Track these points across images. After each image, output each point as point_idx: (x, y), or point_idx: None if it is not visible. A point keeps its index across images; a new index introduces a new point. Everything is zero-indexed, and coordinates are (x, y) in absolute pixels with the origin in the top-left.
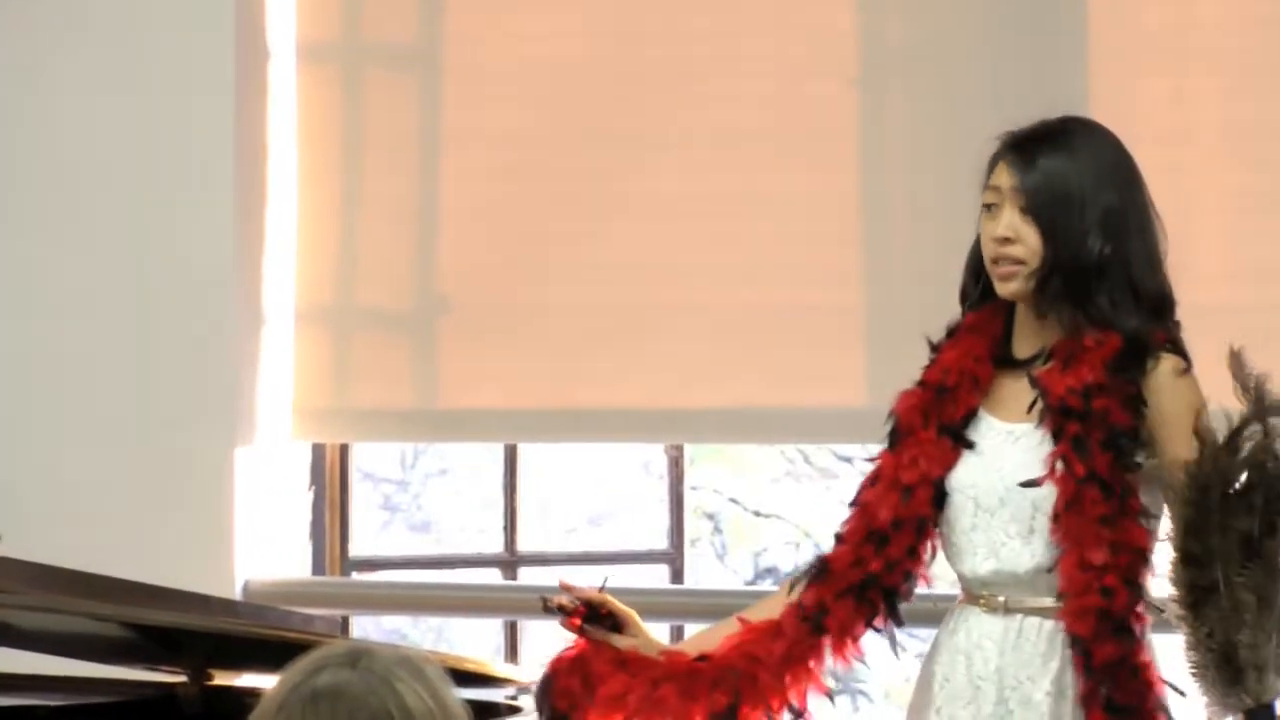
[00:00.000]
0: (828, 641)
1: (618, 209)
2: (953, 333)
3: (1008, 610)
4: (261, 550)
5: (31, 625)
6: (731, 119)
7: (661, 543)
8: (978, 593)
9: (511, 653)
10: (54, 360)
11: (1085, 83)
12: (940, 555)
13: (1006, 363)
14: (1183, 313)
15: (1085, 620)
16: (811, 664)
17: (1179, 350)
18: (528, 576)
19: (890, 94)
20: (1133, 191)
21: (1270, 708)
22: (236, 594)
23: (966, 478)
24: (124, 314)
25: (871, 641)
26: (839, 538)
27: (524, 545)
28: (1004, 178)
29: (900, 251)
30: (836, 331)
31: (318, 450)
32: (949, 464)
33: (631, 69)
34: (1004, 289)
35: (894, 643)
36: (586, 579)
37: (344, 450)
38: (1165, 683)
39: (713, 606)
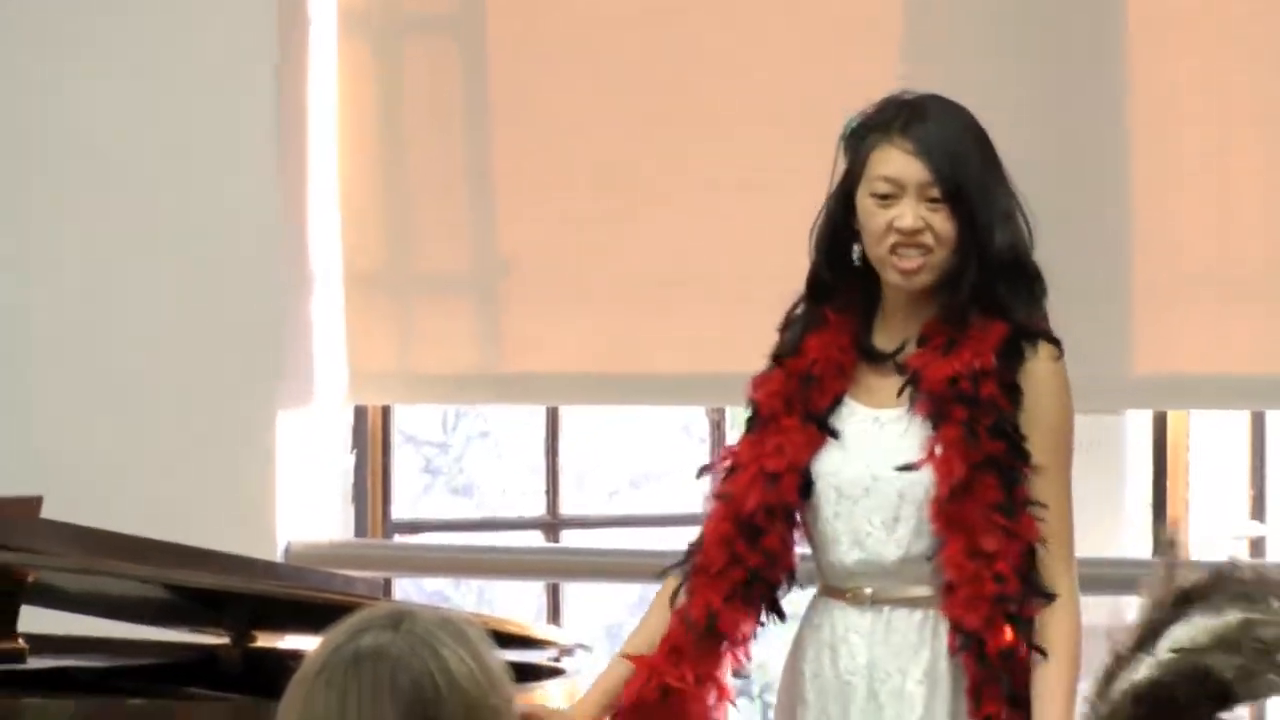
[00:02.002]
0: (725, 648)
1: (665, 175)
2: (806, 319)
3: (875, 602)
4: (304, 513)
5: (74, 587)
6: (780, 85)
7: (702, 506)
8: (843, 585)
9: (553, 615)
10: (98, 323)
11: (1121, 43)
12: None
13: (869, 353)
14: (1221, 291)
15: (977, 609)
16: (718, 674)
17: (1052, 336)
18: (569, 539)
19: (932, 66)
20: (1004, 173)
21: None
22: (279, 556)
23: (829, 465)
24: (167, 278)
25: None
26: (702, 534)
27: (565, 508)
28: (901, 167)
29: None
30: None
31: (360, 413)
32: (814, 451)
33: (680, 30)
34: (910, 282)
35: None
36: (628, 541)
37: (386, 413)
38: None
39: None
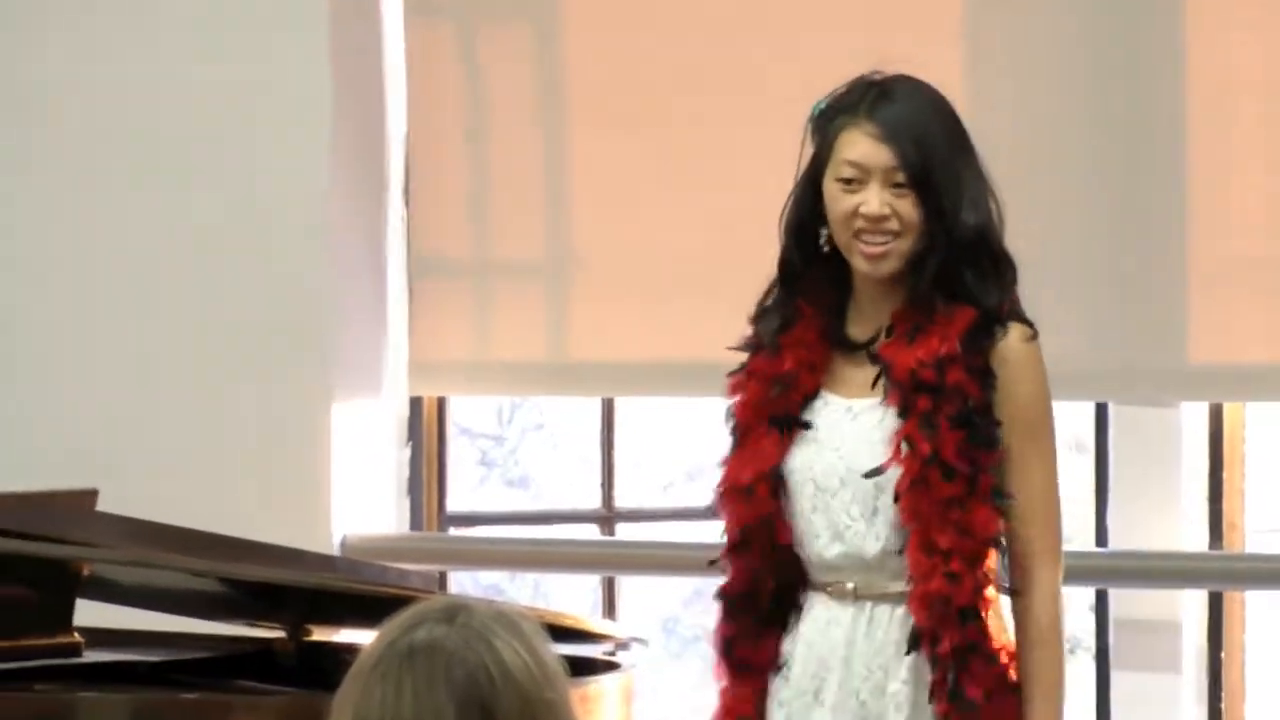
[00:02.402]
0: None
1: (734, 167)
2: (781, 311)
3: (857, 597)
4: (359, 505)
5: (129, 581)
6: (857, 69)
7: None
8: (824, 579)
9: (609, 608)
10: (152, 314)
11: (1182, 27)
12: None
13: (842, 343)
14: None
15: (929, 607)
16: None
17: (1023, 317)
18: (625, 532)
19: (993, 44)
20: (975, 155)
21: None
22: (334, 549)
23: (802, 459)
24: (223, 266)
25: None
26: (722, 563)
27: (621, 501)
28: (866, 151)
29: (1003, 201)
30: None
31: (415, 405)
32: (784, 450)
33: (755, 19)
34: (876, 269)
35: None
36: (684, 534)
37: (442, 405)
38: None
39: None
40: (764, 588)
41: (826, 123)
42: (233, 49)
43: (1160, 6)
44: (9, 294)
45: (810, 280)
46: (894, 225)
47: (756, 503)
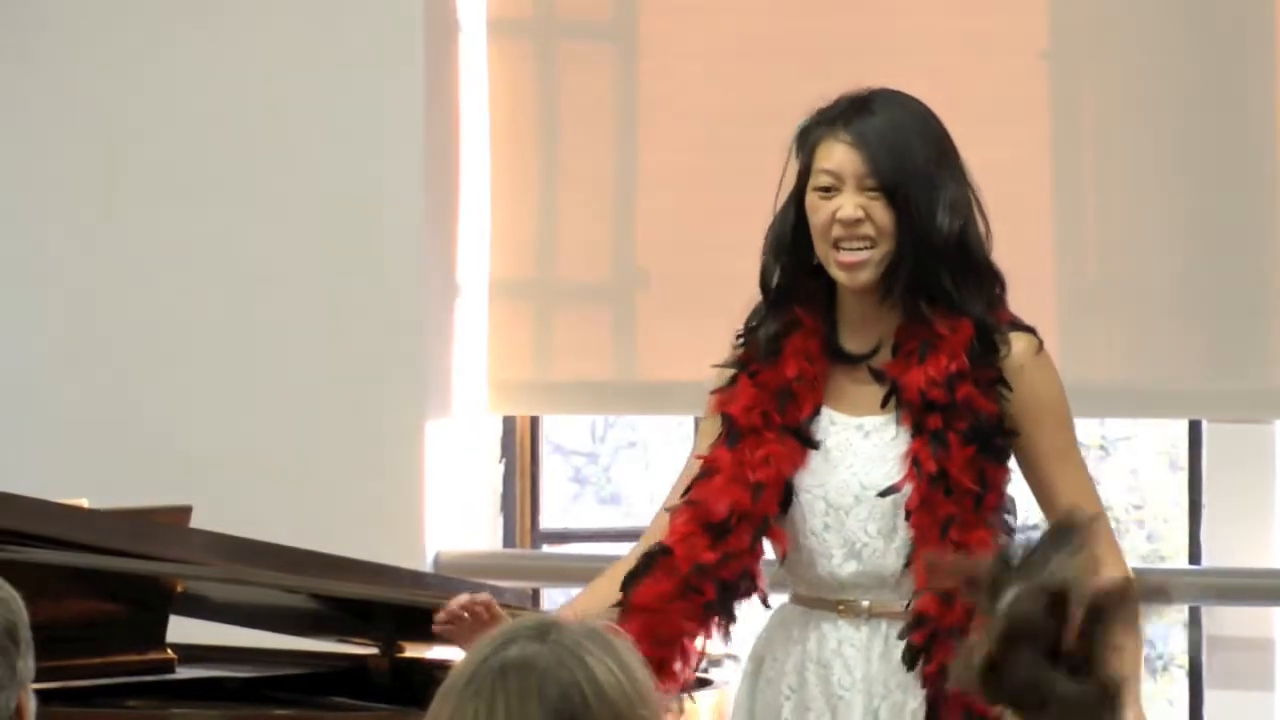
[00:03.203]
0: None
1: None
2: (778, 320)
3: (871, 615)
4: (453, 522)
5: (223, 597)
6: (920, 93)
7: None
8: (834, 597)
9: None
10: (247, 333)
11: (1274, 50)
12: None
13: (838, 356)
14: None
15: (920, 626)
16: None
17: (1026, 327)
18: None
19: (1079, 66)
20: (960, 167)
21: None
22: (428, 566)
23: (813, 478)
24: (316, 287)
25: None
26: (665, 538)
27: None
28: (840, 158)
29: (1090, 222)
30: (1025, 302)
31: (508, 423)
32: (798, 465)
33: (821, 42)
34: (854, 279)
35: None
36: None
37: (535, 423)
38: None
39: None
40: (721, 576)
41: (807, 137)
42: (328, 74)
43: (1252, 27)
44: (111, 311)
45: (805, 292)
46: (868, 230)
47: (762, 502)
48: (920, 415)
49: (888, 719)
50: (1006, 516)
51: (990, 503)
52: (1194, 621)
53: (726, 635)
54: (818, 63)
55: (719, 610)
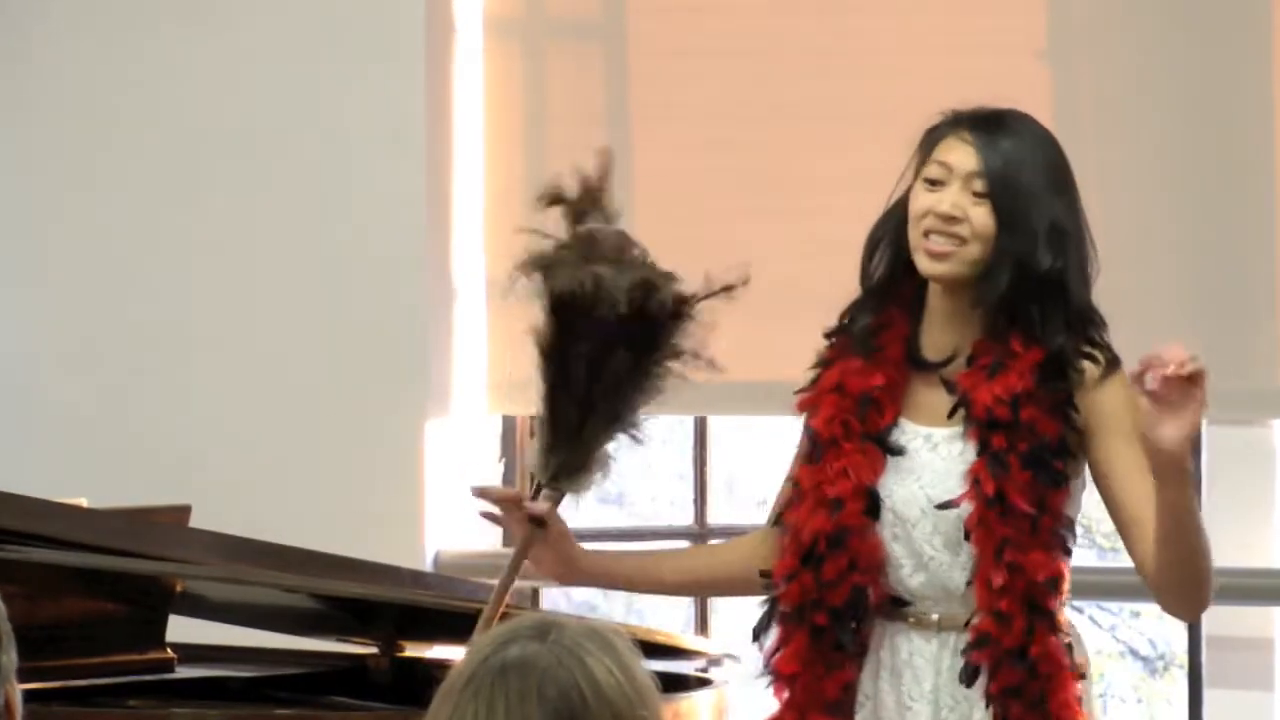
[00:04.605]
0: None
1: (805, 183)
2: (874, 313)
3: (941, 628)
4: (452, 522)
5: (222, 597)
6: (918, 93)
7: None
8: (905, 608)
9: (701, 625)
10: (247, 333)
11: (1271, 49)
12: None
13: (916, 363)
14: None
15: (980, 645)
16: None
17: (1101, 348)
18: None
19: (1078, 65)
20: (1075, 202)
21: (536, 486)
22: (427, 565)
23: (882, 489)
24: (316, 287)
25: None
26: (774, 574)
27: (713, 518)
28: (958, 155)
29: (1089, 222)
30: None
31: (508, 422)
32: (878, 472)
33: (814, 42)
34: (934, 268)
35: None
36: None
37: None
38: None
39: None
40: (828, 604)
41: (932, 135)
42: (327, 75)
43: (1249, 26)
44: (110, 311)
45: (900, 291)
46: (963, 230)
47: (844, 516)
48: (985, 433)
49: None
50: (1065, 538)
51: (1046, 525)
52: (1194, 621)
53: (851, 658)
54: (810, 62)
55: (834, 635)
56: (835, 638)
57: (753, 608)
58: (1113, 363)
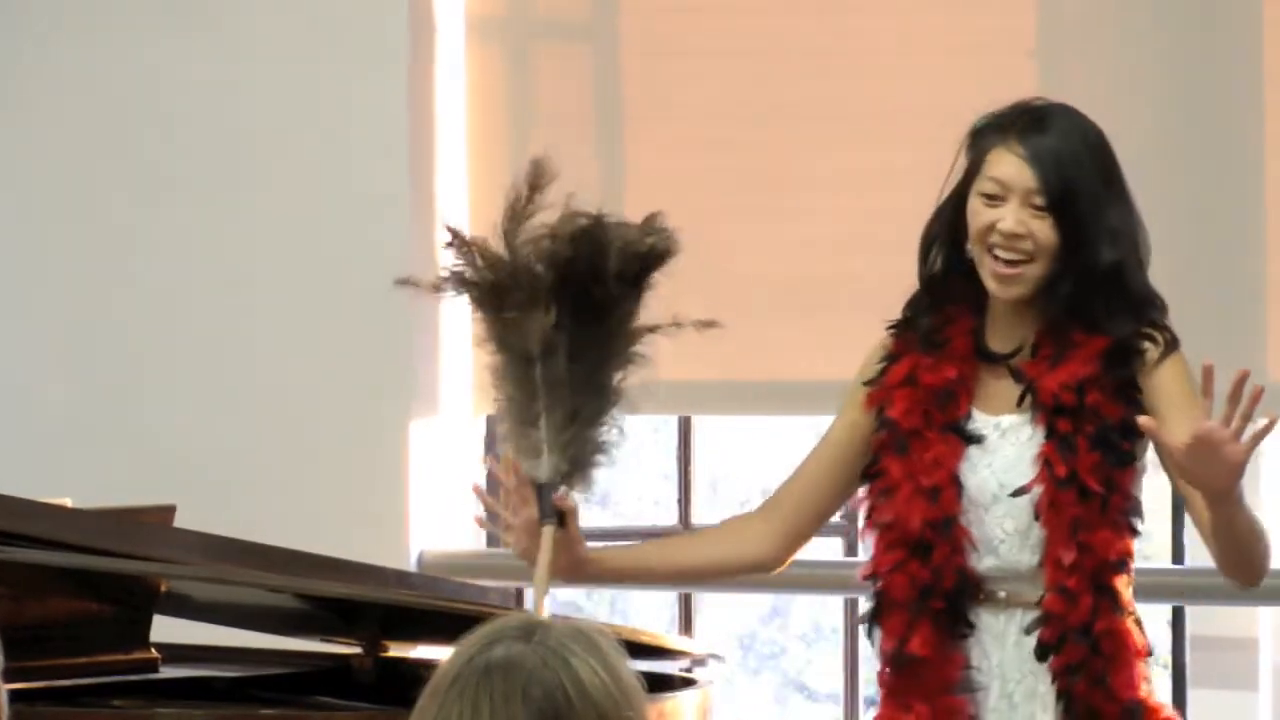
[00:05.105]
0: (932, 672)
1: (795, 183)
2: (925, 321)
3: (1008, 605)
4: (437, 522)
5: (207, 597)
6: (906, 92)
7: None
8: (978, 587)
9: (686, 625)
10: (232, 332)
11: (1261, 48)
12: None
13: (984, 355)
14: None
15: (1048, 622)
16: (943, 698)
17: (1161, 329)
18: None
19: (1068, 65)
20: (1125, 190)
21: (543, 487)
22: (411, 565)
23: (960, 475)
24: (300, 287)
25: None
26: (875, 568)
27: (698, 517)
28: (1011, 170)
29: None
30: None
31: (492, 422)
32: (959, 460)
33: (806, 42)
34: (1005, 292)
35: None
36: None
37: None
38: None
39: None
40: (942, 589)
41: (980, 140)
42: (313, 75)
43: (1239, 25)
44: (96, 311)
45: (959, 287)
46: (1028, 245)
47: (943, 503)
48: (1052, 418)
49: (1022, 702)
50: (1132, 518)
51: (1116, 505)
52: (1178, 621)
53: (960, 639)
54: (802, 62)
55: (951, 619)
56: (951, 621)
57: (736, 608)
58: (1171, 344)
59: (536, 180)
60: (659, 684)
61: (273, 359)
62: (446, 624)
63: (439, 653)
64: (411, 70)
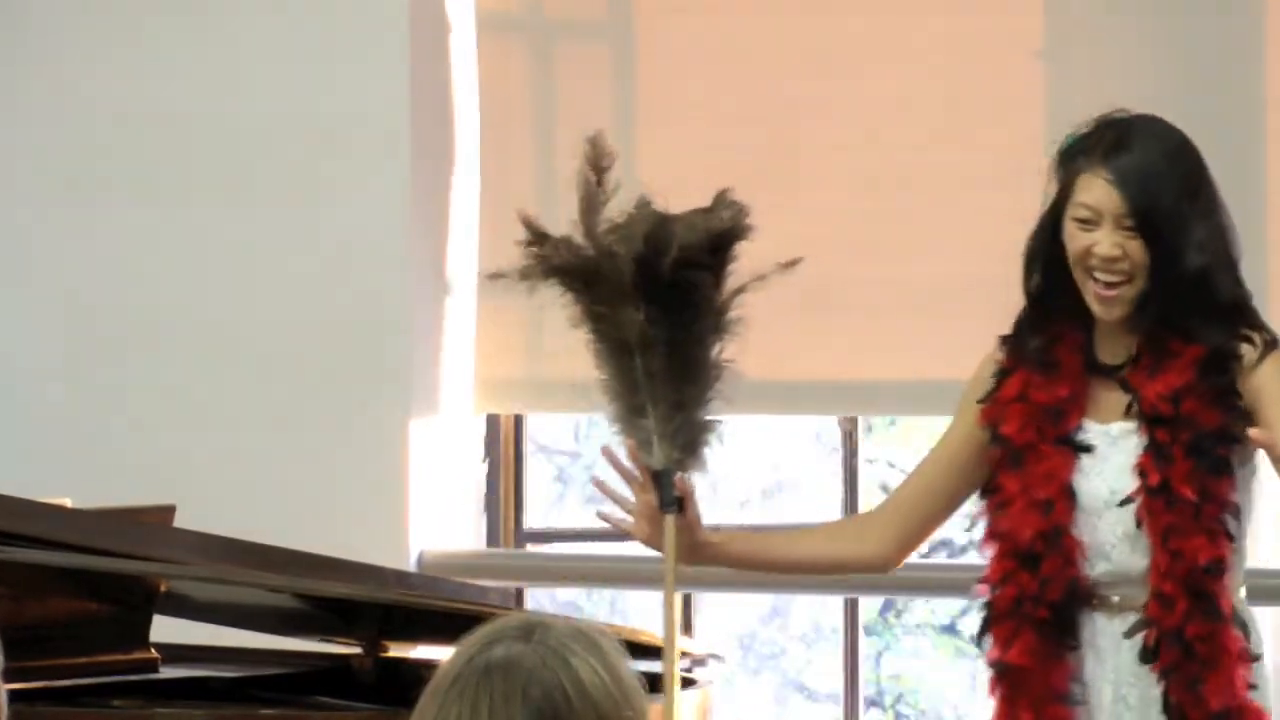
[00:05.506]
0: (1039, 679)
1: (800, 182)
2: (1033, 340)
3: (1122, 609)
4: (436, 522)
5: (207, 597)
6: (915, 92)
7: (835, 515)
8: (1089, 593)
9: (685, 625)
10: (232, 330)
11: (1264, 49)
12: None
13: (1095, 368)
14: None
15: (1150, 627)
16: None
17: (1258, 330)
18: None
19: (1075, 65)
20: (1213, 200)
21: (660, 475)
22: (411, 565)
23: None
24: (298, 286)
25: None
26: (988, 578)
27: None
28: (1100, 196)
29: None
30: (1020, 300)
31: (492, 422)
32: (1070, 471)
33: (816, 42)
34: (1108, 314)
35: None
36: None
37: (518, 422)
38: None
39: (892, 580)
40: (1048, 599)
41: (1068, 162)
42: (310, 74)
43: (1244, 25)
44: (94, 309)
45: (1066, 303)
46: (1125, 266)
47: (1056, 515)
48: (1151, 428)
49: (1136, 704)
50: (1229, 523)
51: (1209, 513)
52: None
53: (1073, 649)
54: (813, 63)
55: (1058, 629)
56: (1058, 631)
57: (736, 608)
58: (1270, 344)
59: (599, 162)
60: (658, 684)
61: (272, 358)
62: (446, 624)
63: (439, 653)
64: (414, 66)
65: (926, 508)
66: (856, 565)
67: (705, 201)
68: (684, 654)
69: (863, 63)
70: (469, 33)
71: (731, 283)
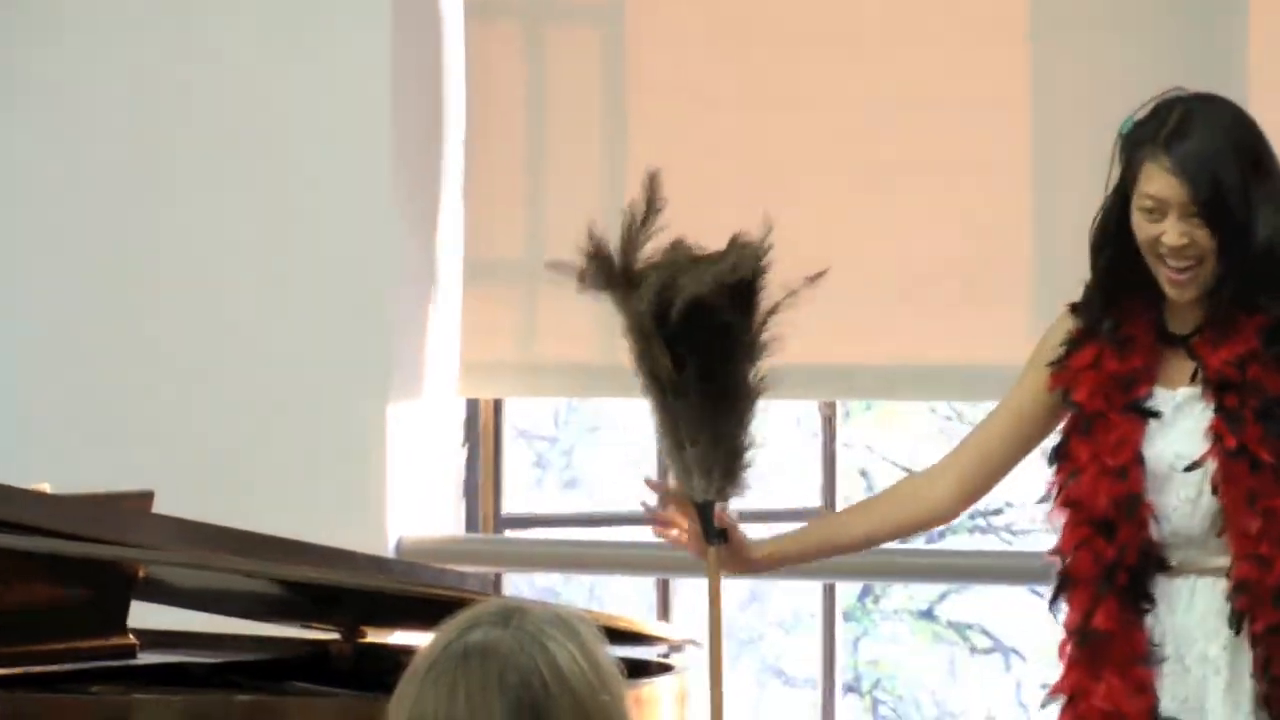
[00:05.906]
0: (1116, 644)
1: (782, 167)
2: (1103, 316)
3: (1181, 572)
4: (415, 507)
5: (185, 583)
6: (904, 77)
7: (814, 500)
8: (1159, 556)
9: (664, 610)
10: (212, 314)
11: (1248, 35)
12: None
13: (1164, 337)
14: None
15: (1243, 590)
16: (1128, 671)
17: None
18: None
19: (1062, 50)
20: (1272, 170)
21: (702, 507)
22: (389, 551)
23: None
24: (278, 269)
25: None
26: (1062, 546)
27: None
28: (1163, 187)
29: (1067, 209)
30: (1003, 288)
31: (471, 407)
32: (1141, 437)
33: (807, 26)
34: (1182, 295)
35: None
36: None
37: (498, 407)
38: None
39: (870, 565)
40: (1126, 564)
41: (1131, 148)
42: (293, 52)
43: (1230, 11)
44: (73, 295)
45: (1134, 279)
46: (1193, 251)
47: (1130, 482)
48: (1218, 394)
49: (1194, 665)
50: None
51: None
52: None
53: (1143, 614)
54: (800, 48)
55: (1134, 594)
56: (1135, 595)
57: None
58: None
59: (651, 202)
60: (636, 670)
61: (251, 343)
62: (425, 610)
63: (418, 638)
64: (395, 52)
65: (990, 460)
66: (920, 526)
67: (699, 193)
68: (662, 640)
69: (848, 48)
70: (457, 14)
71: (764, 303)
